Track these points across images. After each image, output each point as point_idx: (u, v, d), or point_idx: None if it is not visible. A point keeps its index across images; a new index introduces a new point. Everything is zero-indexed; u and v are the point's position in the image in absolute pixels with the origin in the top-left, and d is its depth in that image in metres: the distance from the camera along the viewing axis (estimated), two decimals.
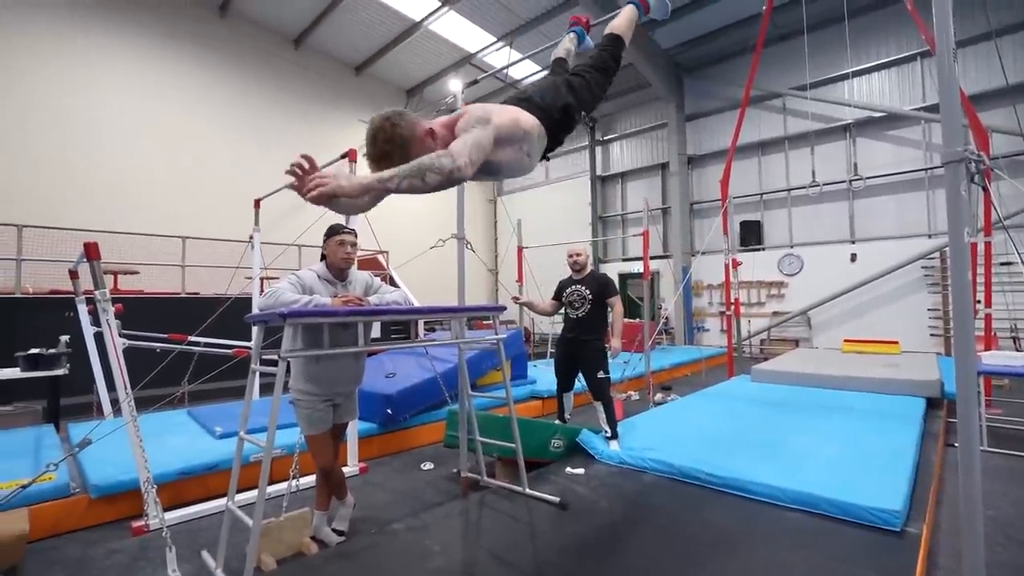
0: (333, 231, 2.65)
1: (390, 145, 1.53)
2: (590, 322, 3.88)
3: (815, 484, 2.78)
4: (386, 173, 1.44)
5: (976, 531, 1.59)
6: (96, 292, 2.88)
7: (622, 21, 2.34)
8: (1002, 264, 7.00)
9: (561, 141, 2.02)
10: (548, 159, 2.12)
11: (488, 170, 1.71)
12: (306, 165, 1.46)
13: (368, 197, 1.60)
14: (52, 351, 4.79)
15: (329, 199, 1.42)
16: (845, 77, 10.15)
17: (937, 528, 2.68)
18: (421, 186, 1.46)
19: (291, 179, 1.46)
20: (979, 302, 5.51)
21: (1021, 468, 3.61)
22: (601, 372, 3.81)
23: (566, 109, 1.95)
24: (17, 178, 7.69)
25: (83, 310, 4.77)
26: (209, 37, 9.93)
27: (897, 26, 9.52)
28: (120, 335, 3.20)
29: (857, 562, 2.19)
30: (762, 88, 10.60)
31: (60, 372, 4.77)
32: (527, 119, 1.79)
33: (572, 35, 2.69)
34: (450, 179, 1.49)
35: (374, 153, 1.56)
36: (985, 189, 2.10)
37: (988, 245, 5.45)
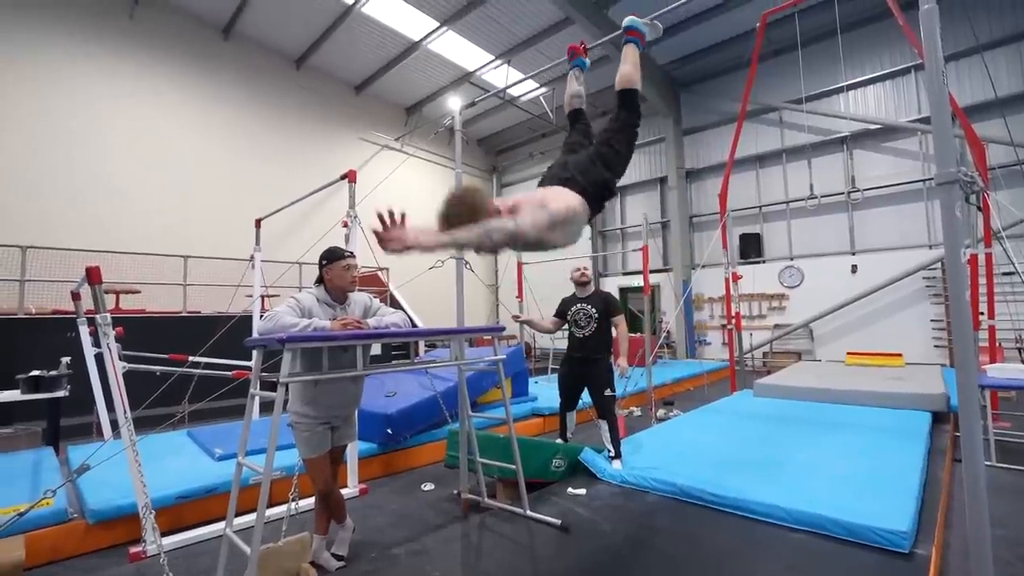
0: (337, 256, 2.65)
1: (471, 215, 1.80)
2: (597, 341, 3.86)
3: (820, 504, 2.75)
4: (461, 235, 1.76)
5: (984, 552, 1.56)
6: (97, 316, 2.88)
7: (628, 67, 2.36)
8: (1004, 274, 6.97)
9: (603, 208, 2.29)
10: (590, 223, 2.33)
11: (541, 246, 1.99)
12: (397, 219, 1.72)
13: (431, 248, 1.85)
14: (53, 373, 4.78)
15: (405, 250, 1.71)
16: (840, 90, 10.24)
17: (947, 549, 2.63)
18: (487, 244, 1.79)
19: (377, 224, 1.72)
20: (982, 314, 5.49)
21: None
22: (608, 390, 3.79)
23: (606, 184, 2.19)
24: (21, 199, 7.76)
25: (85, 331, 4.77)
26: (212, 59, 10.09)
27: (889, 39, 9.63)
28: (121, 357, 3.20)
29: None
30: (758, 102, 10.70)
31: (60, 394, 4.76)
32: (576, 202, 2.04)
33: (576, 71, 2.74)
34: (512, 238, 1.82)
35: (453, 216, 1.81)
36: (980, 208, 2.11)
37: (989, 256, 5.45)
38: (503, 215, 1.87)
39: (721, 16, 9.74)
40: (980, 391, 4.09)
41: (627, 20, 2.56)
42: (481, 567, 2.58)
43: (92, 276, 2.93)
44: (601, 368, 3.81)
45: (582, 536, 2.73)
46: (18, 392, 4.65)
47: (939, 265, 9.12)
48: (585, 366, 3.86)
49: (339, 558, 2.68)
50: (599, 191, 2.18)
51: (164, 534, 2.89)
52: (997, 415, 4.89)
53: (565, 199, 2.01)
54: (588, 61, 2.80)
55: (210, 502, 3.31)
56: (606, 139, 2.29)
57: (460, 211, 1.80)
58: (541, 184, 2.25)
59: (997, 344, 5.64)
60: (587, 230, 13.90)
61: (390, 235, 1.67)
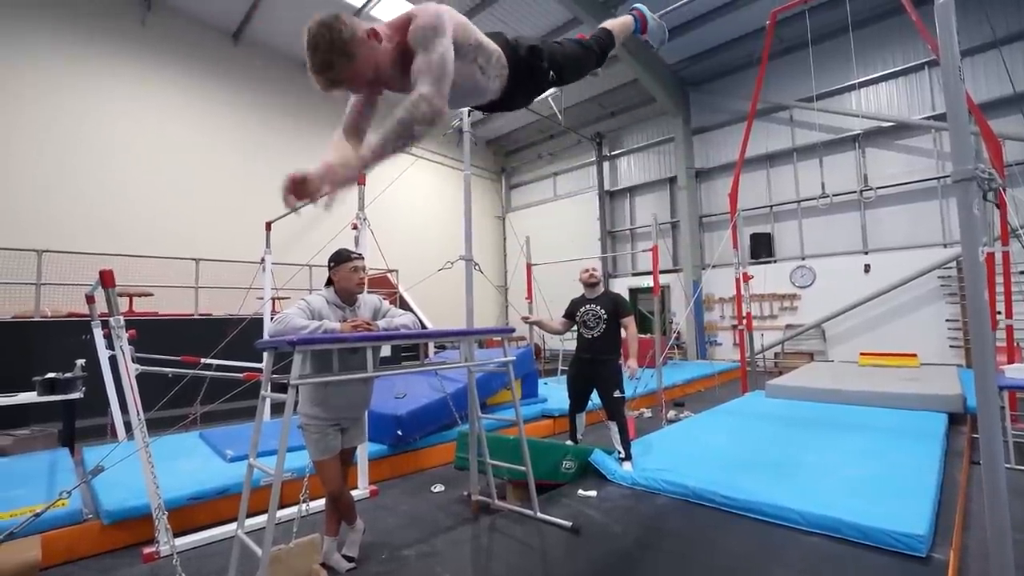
0: (344, 257, 2.66)
1: (332, 53, 1.40)
2: (606, 342, 3.84)
3: (834, 507, 2.71)
4: (375, 142, 1.43)
5: (1005, 556, 1.53)
6: (111, 319, 2.92)
7: (617, 23, 2.30)
8: (1022, 272, 6.85)
9: (519, 96, 1.82)
10: (506, 110, 1.96)
11: (470, 98, 1.64)
12: (293, 183, 1.47)
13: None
14: (68, 375, 4.85)
15: (337, 192, 1.46)
16: (852, 88, 10.11)
17: (965, 552, 2.58)
18: (413, 142, 1.44)
19: (292, 206, 1.47)
20: (999, 313, 5.40)
21: None
22: (617, 392, 3.77)
23: (532, 50, 1.76)
24: (34, 203, 7.89)
25: (99, 334, 4.84)
26: (222, 63, 10.20)
27: (902, 36, 9.50)
28: (134, 359, 3.24)
29: None
30: (769, 101, 10.61)
31: (76, 396, 4.83)
32: (482, 35, 1.61)
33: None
34: (435, 123, 1.44)
35: (317, 63, 1.42)
36: (998, 205, 2.06)
37: (1006, 255, 5.36)
38: (385, 47, 1.46)
39: (730, 14, 9.67)
40: (999, 392, 4.02)
41: (638, 3, 2.51)
42: (491, 569, 2.57)
43: (105, 279, 2.96)
44: (610, 369, 3.79)
45: (593, 538, 2.71)
46: (34, 394, 4.73)
47: (954, 264, 8.97)
48: (594, 367, 3.84)
49: (349, 559, 2.69)
50: (524, 54, 1.75)
51: (177, 535, 2.92)
52: (1016, 416, 4.80)
53: (463, 19, 1.55)
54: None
55: (222, 503, 3.33)
56: (560, 40, 2.00)
57: (327, 57, 1.40)
58: None
59: (1015, 344, 5.54)
60: (596, 230, 13.92)
61: (297, 191, 1.44)
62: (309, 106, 11.51)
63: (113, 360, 4.47)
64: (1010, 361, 5.17)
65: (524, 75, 1.76)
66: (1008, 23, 8.52)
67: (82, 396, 4.89)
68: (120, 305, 3.06)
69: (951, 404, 5.06)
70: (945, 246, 9.19)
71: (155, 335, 6.28)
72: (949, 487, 3.21)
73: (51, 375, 4.77)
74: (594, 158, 14.27)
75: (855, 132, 10.11)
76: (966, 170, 1.50)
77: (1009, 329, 5.36)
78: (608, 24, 2.27)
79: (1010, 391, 4.51)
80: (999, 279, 5.47)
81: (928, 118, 9.36)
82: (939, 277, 9.18)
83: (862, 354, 8.57)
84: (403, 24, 1.49)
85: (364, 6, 9.54)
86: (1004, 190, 3.94)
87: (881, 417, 4.90)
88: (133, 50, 9.07)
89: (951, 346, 8.98)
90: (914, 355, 7.95)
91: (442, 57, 1.42)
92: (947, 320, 9.08)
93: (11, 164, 7.77)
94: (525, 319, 4.26)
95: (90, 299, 4.82)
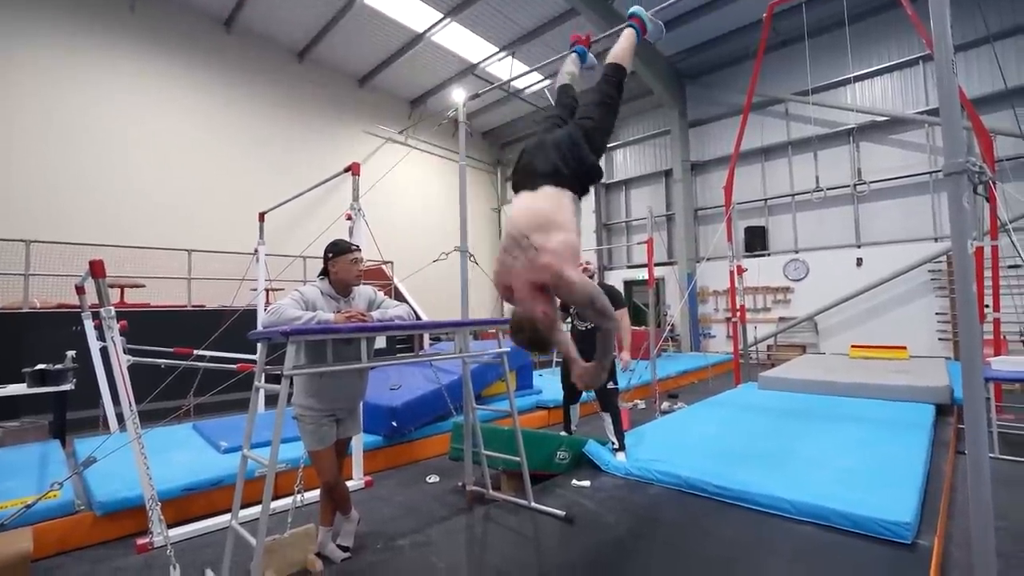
0: (343, 249, 2.64)
1: (536, 343, 2.01)
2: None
3: (824, 496, 2.75)
4: (601, 359, 2.15)
5: (988, 543, 1.56)
6: (101, 310, 2.89)
7: (622, 47, 2.37)
8: (1011, 267, 6.93)
9: (588, 190, 2.19)
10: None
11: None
12: None
13: None
14: (58, 367, 4.82)
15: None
16: (847, 82, 10.14)
17: (949, 540, 2.64)
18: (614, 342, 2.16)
19: None
20: (987, 306, 5.46)
21: None
22: (611, 383, 3.79)
23: (592, 170, 2.13)
24: (25, 193, 7.78)
25: (89, 325, 4.80)
26: (215, 51, 10.06)
27: (898, 30, 9.51)
28: (125, 351, 3.22)
29: None
30: (764, 94, 10.61)
31: (66, 387, 4.80)
32: (573, 224, 2.03)
33: (574, 56, 2.72)
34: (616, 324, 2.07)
35: (525, 343, 2.01)
36: (988, 199, 2.08)
37: (995, 248, 5.41)
38: (543, 305, 1.94)
39: (727, 7, 9.63)
40: (984, 383, 4.08)
41: (633, 7, 2.56)
42: (486, 558, 2.60)
43: (96, 270, 2.94)
44: None
45: (586, 527, 2.74)
46: (24, 386, 4.69)
47: (945, 258, 9.06)
48: (587, 359, 3.85)
49: (344, 549, 2.70)
50: (585, 179, 2.10)
51: (170, 526, 2.92)
52: (1001, 407, 4.88)
53: (572, 246, 1.96)
54: (590, 53, 2.78)
55: (216, 494, 3.34)
56: (588, 113, 2.20)
57: (533, 341, 1.97)
58: (517, 176, 2.12)
59: (1002, 337, 5.62)
60: (592, 222, 13.93)
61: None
62: (302, 96, 11.40)
63: (104, 351, 4.44)
64: (997, 353, 5.25)
65: (588, 184, 2.18)
66: (1002, 19, 8.55)
67: (73, 388, 4.86)
68: (111, 296, 3.03)
69: (939, 396, 5.13)
70: (936, 240, 9.28)
71: (147, 327, 6.25)
72: (935, 476, 3.27)
73: (41, 367, 4.73)
74: None
75: (850, 126, 10.15)
76: (957, 163, 1.51)
77: (996, 322, 5.43)
78: (616, 57, 2.33)
79: (996, 383, 4.58)
80: (988, 273, 5.53)
81: (922, 113, 9.41)
82: (929, 271, 9.28)
83: (853, 346, 8.65)
84: (540, 282, 1.91)
85: (427, 31, 9.50)
86: (994, 183, 3.96)
87: (871, 408, 4.96)
88: (122, 38, 8.92)
89: (940, 339, 9.09)
90: (904, 348, 8.03)
91: (588, 290, 1.91)
92: (937, 313, 9.19)
93: (1, 154, 7.67)
94: None
95: (80, 290, 4.77)
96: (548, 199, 1.98)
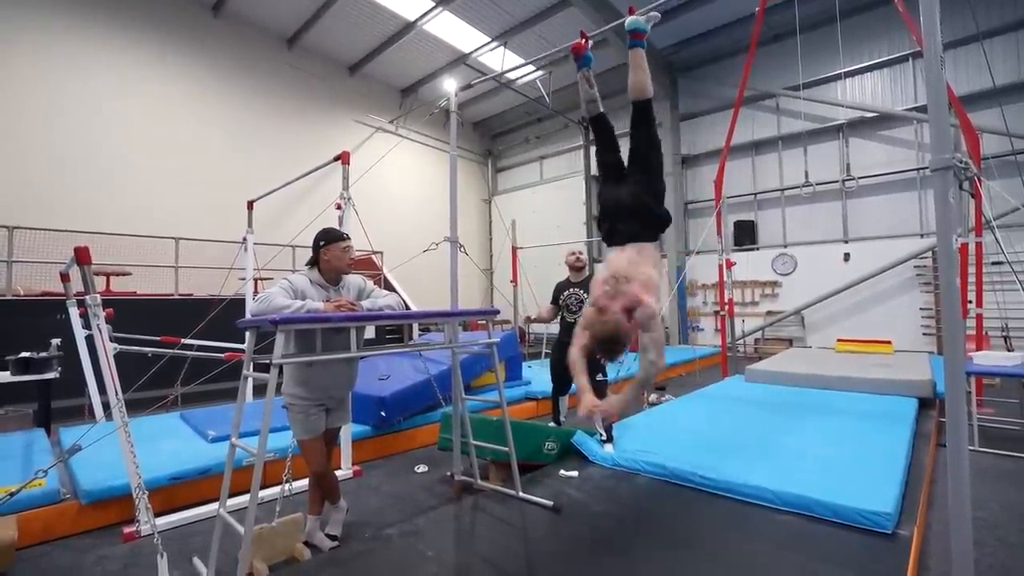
0: (335, 237, 2.62)
1: (620, 343, 2.29)
2: None
3: (807, 486, 2.80)
4: (629, 394, 2.30)
5: (965, 533, 1.60)
6: (87, 297, 2.85)
7: (641, 75, 2.48)
8: (994, 264, 7.04)
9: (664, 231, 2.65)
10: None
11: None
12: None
13: None
14: (43, 355, 4.75)
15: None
16: (838, 77, 10.20)
17: (928, 530, 2.70)
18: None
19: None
20: (970, 302, 5.56)
21: (1012, 468, 3.64)
22: (600, 375, 3.80)
23: (663, 219, 2.55)
24: (8, 179, 7.62)
25: (74, 313, 4.73)
26: (202, 37, 9.87)
27: (889, 27, 9.57)
28: (111, 339, 3.18)
29: (847, 565, 2.20)
30: (756, 88, 10.64)
31: (51, 376, 4.73)
32: (654, 267, 2.42)
33: (584, 72, 2.72)
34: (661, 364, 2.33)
35: (607, 348, 2.33)
36: (973, 195, 2.12)
37: (979, 245, 5.50)
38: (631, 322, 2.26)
39: (720, 0, 9.62)
40: (966, 378, 4.16)
41: (629, 22, 2.54)
42: (474, 547, 2.62)
43: (80, 256, 2.89)
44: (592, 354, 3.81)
45: (573, 517, 2.77)
46: (8, 374, 4.62)
47: (930, 254, 9.20)
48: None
49: (333, 538, 2.71)
50: (660, 227, 2.55)
51: (158, 514, 2.90)
52: (981, 401, 4.98)
53: (649, 275, 2.35)
54: (593, 56, 2.77)
55: (203, 483, 3.32)
56: (647, 165, 2.52)
57: (610, 346, 2.29)
58: (605, 233, 2.60)
59: (984, 332, 5.72)
60: (583, 214, 13.96)
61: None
62: (293, 85, 11.25)
63: (90, 339, 4.38)
64: (978, 348, 5.34)
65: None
66: (991, 17, 8.62)
67: (58, 376, 4.79)
68: (97, 284, 2.98)
69: (921, 389, 5.23)
70: (922, 236, 9.41)
71: (134, 315, 6.17)
72: (916, 468, 3.34)
73: (25, 354, 4.66)
74: (581, 142, 14.19)
75: (839, 122, 10.22)
76: (944, 159, 1.53)
77: (979, 318, 5.53)
78: (639, 91, 2.52)
79: (977, 377, 4.68)
80: (972, 269, 5.62)
81: (911, 109, 9.50)
82: (915, 267, 9.41)
83: (839, 341, 8.78)
84: (632, 305, 2.27)
85: (419, 19, 9.34)
86: (980, 180, 4.02)
87: (855, 401, 5.04)
88: (108, 22, 8.72)
89: (924, 334, 9.25)
90: (889, 342, 8.17)
91: (660, 335, 2.31)
92: (921, 308, 9.34)
93: None
94: (527, 319, 4.27)
95: (65, 277, 4.70)
96: (634, 251, 2.43)
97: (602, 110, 2.73)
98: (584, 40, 2.75)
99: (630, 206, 2.48)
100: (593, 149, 14.85)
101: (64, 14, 8.24)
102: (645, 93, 2.49)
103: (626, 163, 2.60)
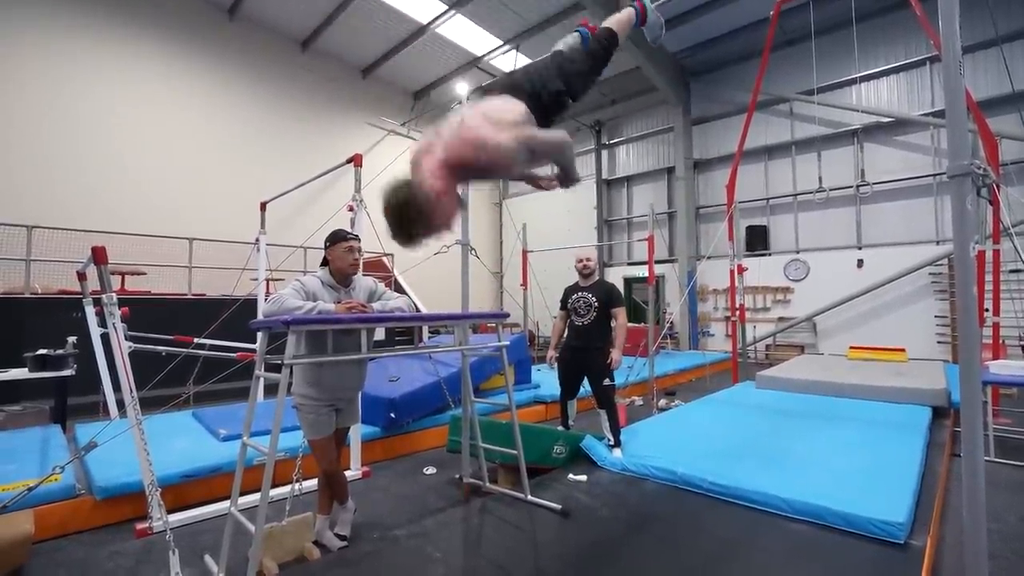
0: (339, 237, 2.65)
1: (407, 213, 1.55)
2: (596, 330, 3.85)
3: (818, 495, 2.77)
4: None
5: (980, 545, 1.58)
6: (103, 296, 2.90)
7: (618, 19, 2.31)
8: (1012, 271, 6.93)
9: (551, 123, 1.98)
10: None
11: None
12: None
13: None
14: (59, 352, 4.83)
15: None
16: (853, 82, 10.09)
17: (941, 541, 2.65)
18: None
19: None
20: (987, 310, 5.47)
21: None
22: (607, 380, 3.79)
23: (557, 95, 1.93)
24: (27, 179, 7.77)
25: (90, 312, 4.80)
26: (218, 39, 10.02)
27: (906, 31, 9.46)
28: (127, 338, 3.23)
29: (859, 575, 2.17)
30: (769, 93, 10.56)
31: (67, 373, 4.81)
32: (517, 113, 1.71)
33: (576, 35, 2.65)
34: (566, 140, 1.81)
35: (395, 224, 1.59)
36: (991, 201, 2.09)
37: (996, 253, 5.41)
38: (443, 191, 1.56)
39: (734, 4, 9.57)
40: (982, 387, 4.09)
41: None
42: (482, 550, 2.62)
43: (98, 256, 2.94)
44: (600, 358, 3.80)
45: (582, 521, 2.76)
46: (25, 370, 4.71)
47: (946, 261, 9.05)
48: (585, 355, 3.85)
49: (342, 538, 2.72)
50: (549, 100, 1.89)
51: (170, 511, 2.94)
52: (997, 411, 4.89)
53: (503, 113, 1.66)
54: (589, 35, 2.70)
55: (215, 481, 3.36)
56: (572, 56, 2.08)
57: (405, 220, 1.55)
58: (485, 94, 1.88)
59: (1001, 341, 5.62)
60: (593, 218, 13.92)
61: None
62: (306, 87, 11.36)
63: (105, 338, 4.45)
64: (995, 357, 5.25)
65: (550, 111, 1.94)
66: (1011, 20, 8.49)
67: (74, 373, 4.87)
68: (112, 283, 3.04)
69: (936, 398, 5.15)
70: (938, 243, 9.27)
71: (148, 315, 6.25)
72: (930, 478, 3.29)
73: (42, 351, 4.74)
74: (593, 146, 14.20)
75: (854, 127, 10.11)
76: (962, 165, 1.51)
77: (996, 326, 5.44)
78: (612, 24, 2.27)
79: (993, 386, 4.59)
80: (989, 277, 5.53)
81: (927, 115, 9.37)
82: (930, 274, 9.27)
83: (851, 348, 8.67)
84: (447, 152, 1.62)
85: (432, 23, 9.42)
86: (998, 187, 3.96)
87: (867, 410, 4.98)
88: (127, 25, 8.88)
89: (939, 342, 9.10)
90: (902, 350, 8.04)
91: (544, 140, 1.75)
92: (936, 316, 9.20)
93: (3, 140, 7.64)
94: (551, 360, 4.13)
95: (81, 276, 4.78)
96: (479, 108, 1.71)
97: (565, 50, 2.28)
98: (594, 28, 2.71)
99: (527, 69, 2.01)
100: (605, 153, 14.82)
101: (83, 20, 8.41)
102: (614, 27, 2.23)
103: None
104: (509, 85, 1.88)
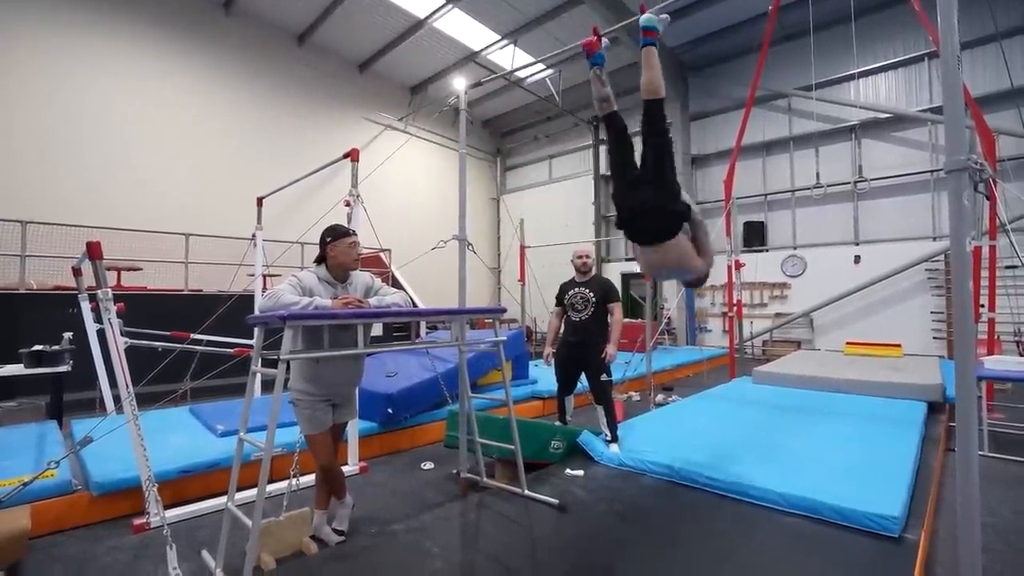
0: (342, 232, 2.63)
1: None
2: (593, 325, 3.85)
3: (814, 489, 2.78)
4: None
5: (973, 538, 1.59)
6: (98, 292, 2.89)
7: (654, 74, 2.44)
8: (1007, 267, 6.95)
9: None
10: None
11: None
12: None
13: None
14: (55, 348, 4.81)
15: None
16: (851, 78, 10.09)
17: (935, 535, 2.67)
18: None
19: None
20: (983, 306, 5.48)
21: (1022, 474, 3.59)
22: (604, 375, 3.79)
23: (684, 214, 2.56)
24: (21, 174, 7.72)
25: (86, 307, 4.79)
26: (214, 33, 9.94)
27: (904, 26, 9.46)
28: (122, 333, 3.22)
29: (854, 568, 2.19)
30: (767, 88, 10.56)
31: (63, 369, 4.79)
32: (692, 250, 2.63)
33: (597, 71, 2.69)
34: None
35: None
36: (988, 197, 2.09)
37: (992, 249, 5.42)
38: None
39: None
40: (977, 382, 4.11)
41: (644, 19, 2.51)
42: (479, 544, 2.62)
43: (92, 251, 2.93)
44: (598, 354, 3.80)
45: (578, 516, 2.77)
46: (21, 366, 4.69)
47: (942, 257, 9.09)
48: (582, 351, 3.85)
49: (339, 533, 2.73)
50: (683, 221, 2.55)
51: (167, 507, 2.94)
52: (992, 406, 4.92)
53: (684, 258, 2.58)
54: (606, 55, 2.75)
55: (212, 477, 3.36)
56: (660, 166, 2.50)
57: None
58: (630, 234, 2.65)
59: (996, 337, 5.64)
60: (591, 214, 13.93)
61: None
62: (303, 82, 11.30)
63: (101, 334, 4.44)
64: (990, 353, 5.27)
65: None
66: (1009, 16, 8.49)
67: (70, 369, 4.85)
68: (108, 279, 3.02)
69: (931, 393, 5.17)
70: (934, 239, 9.30)
71: (144, 310, 6.23)
72: (924, 473, 3.31)
73: (38, 347, 4.72)
74: (591, 141, 14.17)
75: (852, 123, 10.12)
76: (959, 160, 1.51)
77: (991, 322, 5.45)
78: (653, 92, 2.50)
79: (988, 382, 4.62)
80: (985, 273, 5.55)
81: (925, 111, 9.38)
82: (926, 270, 9.30)
83: (848, 343, 8.69)
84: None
85: (429, 17, 9.32)
86: (995, 182, 3.96)
87: (863, 405, 5.00)
88: (122, 19, 8.80)
89: (935, 337, 9.15)
90: (898, 345, 8.07)
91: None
92: (932, 312, 9.24)
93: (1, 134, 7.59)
94: (547, 359, 4.14)
95: (77, 272, 4.76)
96: (669, 249, 2.54)
97: (615, 109, 2.69)
98: (597, 37, 2.72)
99: (649, 210, 2.51)
100: (603, 148, 14.85)
101: (80, 15, 8.33)
102: (657, 92, 2.45)
103: (638, 164, 2.58)
104: (663, 237, 2.54)
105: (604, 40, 2.78)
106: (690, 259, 2.56)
